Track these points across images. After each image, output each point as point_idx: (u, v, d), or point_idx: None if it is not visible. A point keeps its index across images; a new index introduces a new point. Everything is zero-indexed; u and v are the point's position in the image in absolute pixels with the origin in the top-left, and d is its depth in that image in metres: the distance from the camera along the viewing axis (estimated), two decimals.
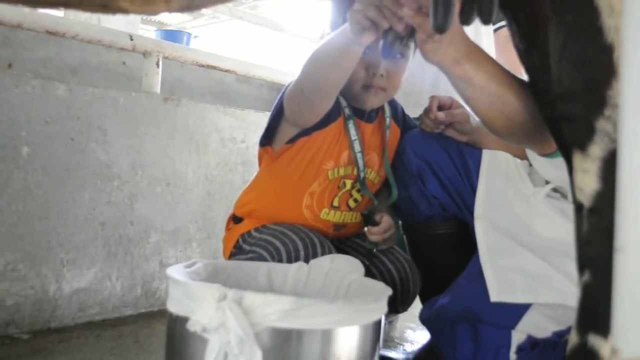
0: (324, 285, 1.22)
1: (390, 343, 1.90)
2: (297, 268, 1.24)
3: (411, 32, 1.10)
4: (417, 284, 1.54)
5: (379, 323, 1.03)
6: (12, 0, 0.94)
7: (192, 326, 0.92)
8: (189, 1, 0.84)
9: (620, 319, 0.46)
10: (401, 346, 1.87)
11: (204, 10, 7.37)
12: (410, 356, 1.55)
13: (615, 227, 0.46)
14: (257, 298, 0.91)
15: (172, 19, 8.12)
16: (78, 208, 1.83)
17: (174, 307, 0.99)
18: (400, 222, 1.67)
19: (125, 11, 0.82)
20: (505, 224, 1.34)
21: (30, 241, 1.71)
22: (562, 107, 0.81)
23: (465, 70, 1.09)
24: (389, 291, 1.06)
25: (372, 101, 1.45)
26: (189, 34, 3.57)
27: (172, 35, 3.49)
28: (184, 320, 0.94)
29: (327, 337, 0.94)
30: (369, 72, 1.41)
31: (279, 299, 0.91)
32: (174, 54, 2.14)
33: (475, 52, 1.10)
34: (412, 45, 1.31)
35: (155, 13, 0.85)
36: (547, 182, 1.43)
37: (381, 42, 1.10)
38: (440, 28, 0.89)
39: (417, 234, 1.59)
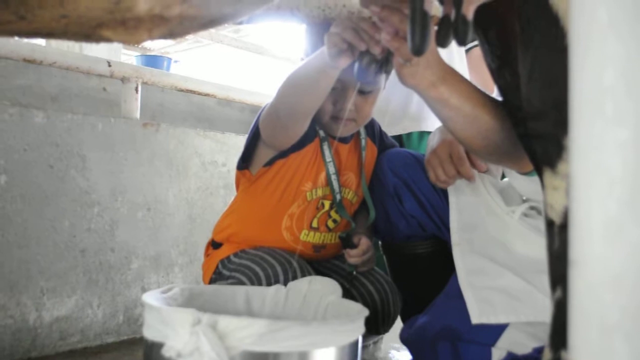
0: (302, 308, 1.22)
1: None
2: (275, 291, 1.24)
3: (387, 56, 1.11)
4: (397, 305, 1.54)
5: (355, 344, 1.03)
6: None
7: (167, 352, 0.91)
8: (171, 29, 0.85)
9: (574, 333, 0.47)
10: None
11: (188, 36, 7.40)
12: None
13: (569, 241, 0.47)
14: (231, 322, 0.91)
15: (154, 44, 8.13)
16: (58, 235, 1.82)
17: (149, 332, 0.99)
18: (379, 242, 1.67)
19: (108, 40, 0.82)
20: (482, 245, 1.35)
21: (9, 269, 1.70)
22: (532, 125, 0.82)
23: (441, 92, 1.10)
24: (365, 312, 1.06)
25: (342, 132, 1.45)
26: (169, 59, 3.58)
27: (153, 61, 3.51)
28: (159, 345, 0.93)
29: (302, 359, 0.94)
30: (337, 105, 1.42)
31: (253, 323, 0.91)
32: (153, 79, 2.14)
33: (450, 74, 1.12)
34: (384, 74, 1.33)
35: (138, 42, 0.86)
36: (524, 199, 1.44)
37: (356, 65, 1.11)
38: (418, 50, 0.90)
39: (396, 253, 1.60)
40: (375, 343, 2.11)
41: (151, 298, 1.04)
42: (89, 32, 0.77)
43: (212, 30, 4.85)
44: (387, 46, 1.05)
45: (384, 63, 1.11)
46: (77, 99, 2.53)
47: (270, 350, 0.92)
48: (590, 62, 0.46)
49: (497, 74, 1.04)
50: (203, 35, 4.26)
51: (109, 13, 0.75)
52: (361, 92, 1.42)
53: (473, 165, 1.41)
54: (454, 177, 1.41)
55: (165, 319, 0.95)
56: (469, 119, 1.13)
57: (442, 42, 0.92)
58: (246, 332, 0.90)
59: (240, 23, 1.23)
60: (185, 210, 2.22)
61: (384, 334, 1.64)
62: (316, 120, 1.46)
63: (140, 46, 8.30)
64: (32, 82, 2.39)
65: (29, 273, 1.75)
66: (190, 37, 7.98)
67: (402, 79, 1.10)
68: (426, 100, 1.13)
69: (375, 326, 1.55)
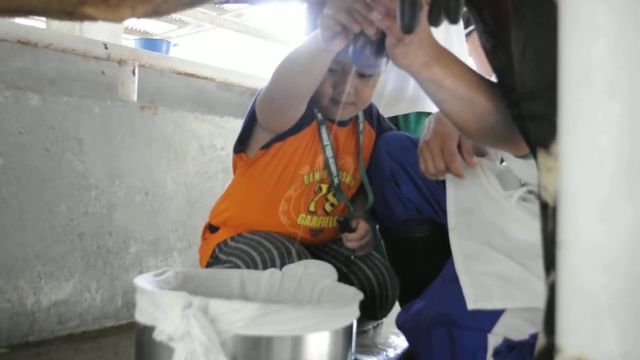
0: (297, 292, 1.20)
1: (373, 349, 1.89)
2: (270, 275, 1.22)
3: (382, 37, 1.09)
4: (395, 290, 1.53)
5: (350, 328, 1.02)
6: None
7: (158, 335, 0.90)
8: (155, 7, 0.83)
9: (562, 316, 0.45)
10: (384, 352, 1.86)
11: (188, 20, 7.37)
12: None
13: (557, 222, 0.46)
14: (222, 305, 0.89)
15: (156, 29, 8.10)
16: (55, 219, 1.81)
17: (141, 316, 0.98)
18: (377, 226, 1.66)
19: (90, 18, 0.81)
20: (478, 230, 1.33)
21: (6, 253, 1.69)
22: (525, 105, 0.80)
23: (434, 73, 1.08)
24: (360, 296, 1.05)
25: (341, 115, 1.44)
26: (169, 42, 3.56)
27: (151, 44, 3.48)
28: (150, 329, 0.92)
29: (296, 343, 0.93)
30: (336, 89, 1.41)
31: (245, 306, 0.90)
32: (150, 62, 2.12)
33: (444, 55, 1.10)
34: (384, 58, 1.31)
35: (121, 19, 0.84)
36: (522, 183, 1.42)
37: (351, 47, 1.09)
38: (408, 28, 0.88)
39: (394, 237, 1.58)
40: (375, 328, 2.10)
41: (144, 281, 1.03)
42: (71, 10, 0.76)
43: (214, 14, 4.83)
44: (379, 26, 1.03)
45: (379, 45, 1.09)
46: (75, 82, 2.52)
47: (262, 334, 0.91)
48: (580, 34, 0.44)
49: (492, 54, 1.02)
50: (206, 20, 4.24)
51: None
52: (361, 76, 1.40)
53: (463, 159, 1.40)
54: (443, 172, 1.40)
55: (156, 302, 0.94)
56: (463, 101, 1.10)
57: (434, 21, 0.90)
58: (238, 316, 0.89)
59: (227, 2, 1.22)
60: (184, 195, 2.20)
61: (381, 319, 1.64)
62: (315, 103, 1.45)
63: (142, 31, 8.27)
64: (29, 64, 2.38)
65: (26, 257, 1.74)
66: (192, 22, 7.96)
67: (394, 59, 1.08)
68: (419, 82, 1.11)
69: (373, 311, 1.54)
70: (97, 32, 3.88)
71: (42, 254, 1.78)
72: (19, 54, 2.35)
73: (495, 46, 1.00)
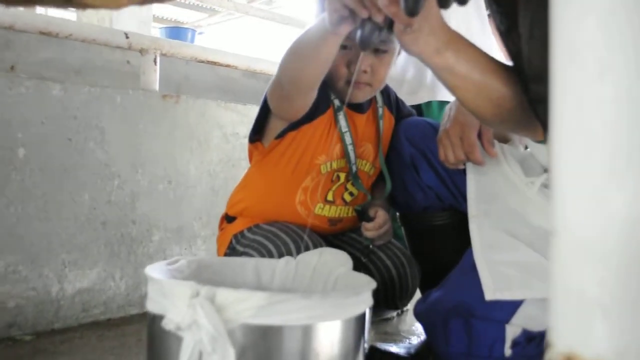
0: (311, 280, 1.20)
1: (396, 337, 1.88)
2: (285, 263, 1.22)
3: (390, 24, 1.07)
4: (416, 278, 1.51)
5: (362, 317, 1.01)
6: None
7: (167, 324, 0.90)
8: None
9: (552, 310, 0.43)
10: (407, 339, 1.84)
11: (218, 8, 7.39)
12: (412, 350, 1.52)
13: (550, 210, 0.44)
14: (230, 294, 0.89)
15: (186, 18, 8.15)
16: (78, 208, 1.83)
17: (152, 305, 0.98)
18: (397, 214, 1.64)
19: (88, 6, 0.80)
20: (499, 218, 1.30)
21: (30, 242, 1.71)
22: (534, 87, 0.78)
23: (447, 58, 1.05)
24: (373, 284, 1.03)
25: (357, 97, 1.41)
26: (194, 31, 3.56)
27: (176, 32, 3.49)
28: (160, 318, 0.92)
29: (305, 332, 0.92)
30: (351, 68, 1.38)
31: (252, 295, 0.89)
32: (172, 50, 2.12)
33: (456, 40, 1.06)
34: (392, 37, 1.28)
35: (118, 6, 0.83)
36: (545, 169, 1.39)
37: (358, 33, 1.07)
38: (412, 10, 0.86)
39: (414, 225, 1.56)
40: (399, 315, 2.09)
41: (155, 270, 1.03)
42: None
43: (244, 2, 4.82)
44: (385, 12, 1.00)
45: (388, 30, 1.06)
46: (101, 72, 2.53)
47: (271, 323, 0.90)
48: (570, 12, 0.42)
49: (506, 37, 0.99)
50: (234, 8, 4.23)
51: None
52: (376, 52, 1.37)
53: (484, 148, 1.37)
54: (462, 161, 1.37)
55: (165, 291, 0.94)
56: (477, 86, 1.07)
57: (444, 4, 0.88)
58: (245, 305, 0.88)
59: None
60: (208, 183, 2.21)
61: (402, 308, 1.62)
62: (331, 87, 1.43)
63: (173, 19, 8.32)
64: (54, 55, 2.40)
65: (51, 246, 1.76)
66: (222, 11, 7.97)
67: (404, 46, 1.05)
68: (432, 69, 1.08)
69: (393, 301, 1.52)
70: (127, 21, 3.91)
71: (66, 242, 1.79)
72: (45, 45, 2.37)
73: (509, 28, 0.98)
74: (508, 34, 0.99)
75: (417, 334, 1.91)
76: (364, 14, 1.02)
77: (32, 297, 1.72)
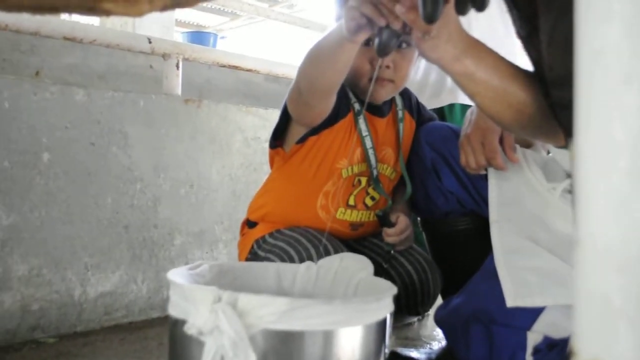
0: (332, 285, 1.19)
1: (417, 342, 1.87)
2: (306, 268, 1.22)
3: (408, 31, 1.06)
4: (437, 284, 1.51)
5: (383, 323, 1.00)
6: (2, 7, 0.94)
7: (189, 329, 0.91)
8: (174, 0, 0.83)
9: (577, 318, 0.43)
10: (428, 345, 1.84)
11: (240, 12, 7.42)
12: (433, 356, 1.51)
13: (574, 219, 0.44)
14: (252, 300, 0.89)
15: (209, 22, 8.20)
16: (101, 212, 1.84)
17: (174, 310, 0.99)
18: (419, 219, 1.63)
19: (109, 13, 0.81)
20: (521, 223, 1.29)
21: (53, 246, 1.73)
22: (555, 93, 0.77)
23: (466, 66, 1.04)
24: (394, 290, 1.03)
25: (380, 94, 1.41)
26: (216, 35, 3.58)
27: (198, 37, 3.51)
28: (182, 323, 0.93)
29: (326, 338, 0.92)
30: (373, 64, 1.37)
31: (274, 300, 0.89)
32: (194, 55, 2.14)
33: (475, 46, 1.06)
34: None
35: (140, 14, 0.84)
36: (568, 174, 1.38)
37: (376, 40, 1.07)
38: (430, 17, 0.85)
39: (436, 230, 1.56)
40: (420, 320, 2.08)
41: (177, 275, 1.03)
42: (91, 5, 0.76)
43: (265, 6, 4.84)
44: (403, 19, 1.00)
45: (405, 37, 1.06)
46: (124, 77, 2.55)
47: (292, 328, 0.90)
48: (594, 17, 0.41)
49: (527, 43, 0.98)
50: (255, 12, 4.25)
51: None
52: (398, 46, 1.37)
53: (505, 154, 1.36)
54: (484, 167, 1.36)
55: (187, 296, 0.94)
56: (497, 93, 1.06)
57: (461, 10, 0.88)
58: (266, 310, 0.89)
59: None
60: (229, 187, 2.22)
61: (424, 314, 1.61)
62: (354, 86, 1.42)
63: (195, 23, 8.37)
64: (78, 60, 2.42)
65: (73, 249, 1.78)
66: (244, 14, 8.01)
67: (423, 53, 1.05)
68: (452, 76, 1.08)
69: (415, 306, 1.52)
70: (149, 26, 3.94)
71: (88, 246, 1.81)
72: (70, 51, 2.40)
73: (530, 34, 0.97)
74: (529, 39, 0.98)
75: (438, 339, 1.90)
76: (382, 22, 1.02)
77: (55, 300, 1.74)
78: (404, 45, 1.32)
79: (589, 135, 0.42)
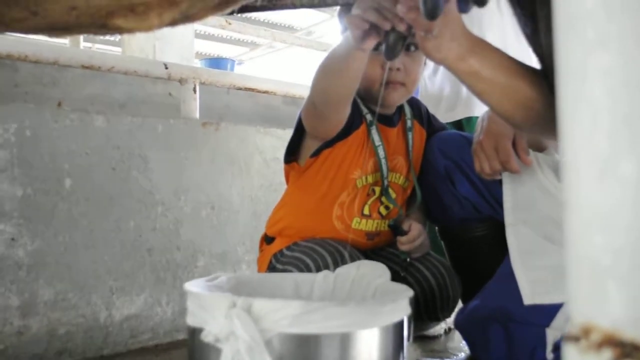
0: (350, 292, 1.20)
1: (444, 354, 1.85)
2: (324, 277, 1.22)
3: (414, 32, 1.08)
4: (456, 289, 1.50)
5: (400, 325, 1.00)
6: (16, 29, 0.98)
7: (206, 337, 0.92)
8: (182, 12, 0.85)
9: (569, 280, 0.43)
10: (455, 356, 1.82)
11: (257, 39, 7.51)
12: None
13: (562, 183, 0.44)
14: (266, 304, 0.90)
15: (228, 53, 8.30)
16: (124, 236, 1.87)
17: (191, 319, 1.00)
18: (436, 228, 1.63)
19: (122, 29, 0.84)
20: (536, 225, 1.29)
21: (77, 270, 1.75)
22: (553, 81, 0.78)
23: (471, 64, 1.05)
24: (409, 292, 1.03)
25: (393, 97, 1.42)
26: (233, 61, 3.63)
27: (216, 63, 3.56)
28: (199, 331, 0.94)
29: (341, 340, 0.92)
30: (384, 69, 1.38)
31: (288, 304, 0.90)
32: (210, 79, 2.17)
33: (479, 45, 1.06)
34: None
35: (149, 28, 0.86)
36: None
37: (384, 45, 1.08)
38: (431, 13, 0.87)
39: (453, 237, 1.55)
40: (447, 333, 2.06)
41: (194, 285, 1.05)
42: (102, 22, 0.78)
43: (284, 34, 4.89)
44: (405, 20, 1.01)
45: (412, 38, 1.07)
46: (144, 105, 2.60)
47: (307, 332, 0.90)
48: None
49: (532, 40, 0.99)
50: (272, 37, 4.31)
51: (116, 0, 0.76)
52: (407, 49, 1.38)
53: (519, 157, 1.35)
54: (499, 171, 1.36)
55: (203, 304, 0.95)
56: (504, 90, 1.07)
57: (464, 8, 0.89)
58: (281, 314, 0.89)
59: (256, 10, 1.23)
60: (250, 208, 2.23)
61: (444, 319, 1.60)
62: (365, 95, 1.43)
63: (216, 55, 8.48)
64: (99, 90, 2.47)
65: (98, 273, 1.80)
66: (263, 44, 8.10)
67: (427, 54, 1.05)
68: (457, 75, 1.08)
69: (434, 312, 1.51)
70: (169, 58, 4.00)
71: (113, 269, 1.83)
72: (90, 81, 2.45)
73: (534, 31, 0.98)
74: (533, 36, 0.99)
75: (465, 351, 1.88)
76: (386, 25, 1.03)
77: (81, 324, 1.76)
78: (412, 48, 1.33)
79: (569, 98, 0.43)
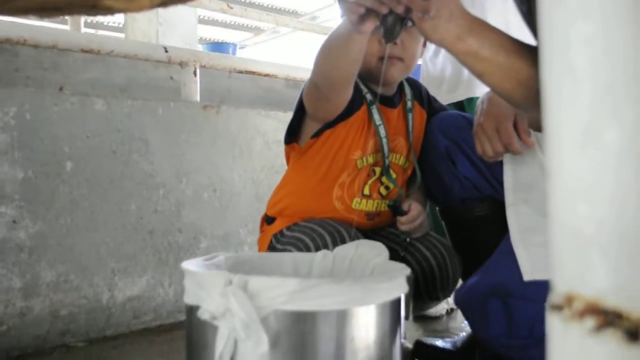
0: (349, 272, 1.20)
1: (445, 334, 1.86)
2: (322, 256, 1.22)
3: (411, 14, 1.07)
4: (456, 269, 1.50)
5: (397, 302, 1.01)
6: (4, 10, 0.98)
7: (202, 314, 0.92)
8: None
9: (553, 250, 0.44)
10: (456, 336, 1.83)
11: (264, 26, 7.49)
12: (458, 344, 1.51)
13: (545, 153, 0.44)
14: (262, 282, 0.90)
15: (233, 38, 8.27)
16: (125, 218, 1.88)
17: (188, 297, 1.00)
18: (437, 208, 1.63)
19: (110, 9, 0.83)
20: (537, 204, 1.28)
21: (79, 252, 1.77)
22: None
23: (470, 44, 1.04)
24: (406, 270, 1.03)
25: (391, 73, 1.41)
26: (235, 45, 3.62)
27: (218, 47, 3.55)
28: (196, 309, 0.95)
29: (338, 317, 0.93)
30: (382, 43, 1.38)
31: (284, 281, 0.90)
32: (211, 62, 2.17)
33: (477, 24, 1.06)
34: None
35: (140, 9, 0.86)
36: None
37: (382, 28, 1.08)
38: None
39: (454, 218, 1.55)
40: (448, 314, 2.07)
41: (191, 265, 1.05)
42: (92, 2, 0.78)
43: (288, 18, 4.87)
44: (402, 1, 1.01)
45: (409, 21, 1.07)
46: (145, 90, 2.60)
47: (303, 309, 0.91)
48: None
49: (528, 18, 0.98)
50: (275, 21, 4.29)
51: None
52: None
53: (520, 138, 1.35)
54: (501, 153, 1.35)
55: (200, 282, 0.96)
56: (504, 69, 1.06)
57: None
58: (277, 292, 0.90)
59: None
60: (252, 190, 2.24)
61: (444, 299, 1.61)
62: (364, 72, 1.43)
63: (219, 40, 8.45)
64: (100, 75, 2.47)
65: (100, 255, 1.81)
66: (267, 29, 8.07)
67: (425, 34, 1.05)
68: (456, 56, 1.07)
69: (434, 291, 1.52)
70: (172, 43, 4.00)
71: (114, 251, 1.84)
72: (91, 65, 2.45)
73: (530, 9, 0.97)
74: (529, 15, 0.98)
75: (466, 330, 1.89)
76: (383, 9, 1.03)
77: (83, 305, 1.77)
78: (409, 23, 1.33)
79: (552, 66, 0.43)
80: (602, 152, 0.42)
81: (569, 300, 0.43)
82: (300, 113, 1.46)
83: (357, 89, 1.42)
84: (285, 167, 2.33)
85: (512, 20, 1.87)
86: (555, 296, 0.44)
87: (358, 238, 1.37)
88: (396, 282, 1.00)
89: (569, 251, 0.43)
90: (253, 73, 2.40)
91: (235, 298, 0.88)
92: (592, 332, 0.42)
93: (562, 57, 0.42)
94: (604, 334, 0.42)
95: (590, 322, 0.42)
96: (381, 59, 1.39)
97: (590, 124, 0.42)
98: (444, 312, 2.07)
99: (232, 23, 8.00)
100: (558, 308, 0.44)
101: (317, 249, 1.34)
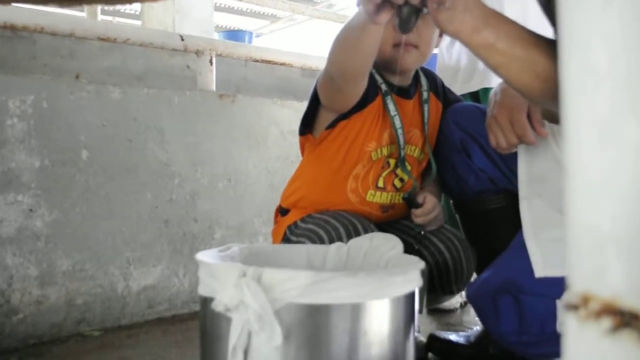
0: (362, 264, 1.20)
1: (459, 327, 1.86)
2: (337, 249, 1.22)
3: (426, 4, 1.06)
4: (470, 262, 1.49)
5: (411, 296, 1.00)
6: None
7: (216, 306, 0.92)
8: None
9: (569, 246, 0.43)
10: (469, 330, 1.82)
11: (276, 11, 7.47)
12: (471, 338, 1.50)
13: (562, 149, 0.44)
14: (276, 274, 0.90)
15: (249, 26, 8.27)
16: (141, 207, 1.88)
17: (202, 289, 1.01)
18: (451, 201, 1.62)
19: None
20: (551, 198, 1.27)
21: (95, 241, 1.78)
22: None
23: (485, 36, 1.02)
24: (421, 264, 1.03)
25: (406, 60, 1.40)
26: (250, 34, 3.61)
27: (234, 35, 3.55)
28: (210, 301, 0.95)
29: (351, 311, 0.93)
30: (396, 29, 1.37)
31: (298, 274, 0.90)
32: (227, 51, 2.17)
33: (494, 16, 1.04)
34: None
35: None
36: None
37: (397, 18, 1.07)
38: None
39: (469, 210, 1.54)
40: (462, 307, 2.07)
41: (206, 255, 1.05)
42: None
43: (304, 6, 4.86)
44: None
45: (425, 11, 1.06)
46: (161, 78, 2.60)
47: (317, 302, 0.90)
48: None
49: (547, 9, 0.96)
50: (290, 9, 4.28)
51: None
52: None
53: (534, 129, 1.33)
54: (515, 145, 1.33)
55: (214, 274, 0.96)
56: (521, 62, 1.04)
57: None
58: (291, 284, 0.90)
59: None
60: (267, 180, 2.24)
61: (458, 292, 1.60)
62: (379, 61, 1.41)
63: (236, 28, 8.46)
64: (117, 63, 2.47)
65: (115, 244, 1.82)
66: (283, 17, 8.06)
67: (440, 26, 1.03)
68: (472, 49, 1.06)
69: (449, 285, 1.51)
70: (188, 31, 4.00)
71: (130, 240, 1.85)
72: (108, 54, 2.45)
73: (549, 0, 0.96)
74: (548, 5, 0.97)
75: (480, 325, 1.89)
76: (399, 0, 1.02)
77: (99, 294, 1.78)
78: (424, 10, 1.32)
79: (572, 63, 0.42)
80: (621, 148, 0.41)
81: (585, 300, 0.42)
82: (314, 104, 1.46)
83: (372, 79, 1.41)
84: (300, 158, 2.33)
85: (531, 10, 1.85)
86: (571, 295, 0.43)
87: (372, 230, 1.37)
88: (410, 276, 1.00)
89: (585, 250, 0.42)
90: (269, 62, 2.40)
91: (249, 290, 0.88)
92: (609, 333, 0.42)
93: (582, 53, 0.41)
94: (620, 335, 0.42)
95: (606, 322, 0.42)
96: (396, 45, 1.38)
97: (609, 121, 0.41)
98: (457, 305, 2.06)
99: (248, 11, 7.99)
100: (574, 307, 0.43)
101: (331, 241, 1.34)
